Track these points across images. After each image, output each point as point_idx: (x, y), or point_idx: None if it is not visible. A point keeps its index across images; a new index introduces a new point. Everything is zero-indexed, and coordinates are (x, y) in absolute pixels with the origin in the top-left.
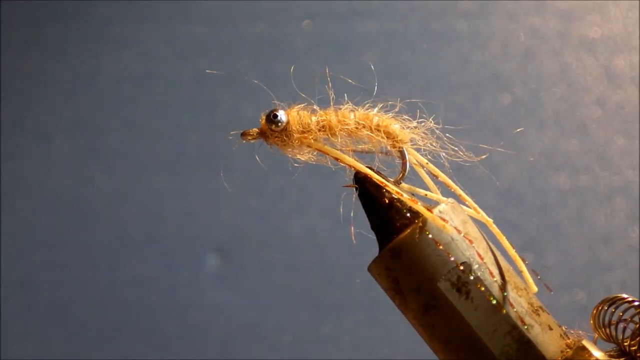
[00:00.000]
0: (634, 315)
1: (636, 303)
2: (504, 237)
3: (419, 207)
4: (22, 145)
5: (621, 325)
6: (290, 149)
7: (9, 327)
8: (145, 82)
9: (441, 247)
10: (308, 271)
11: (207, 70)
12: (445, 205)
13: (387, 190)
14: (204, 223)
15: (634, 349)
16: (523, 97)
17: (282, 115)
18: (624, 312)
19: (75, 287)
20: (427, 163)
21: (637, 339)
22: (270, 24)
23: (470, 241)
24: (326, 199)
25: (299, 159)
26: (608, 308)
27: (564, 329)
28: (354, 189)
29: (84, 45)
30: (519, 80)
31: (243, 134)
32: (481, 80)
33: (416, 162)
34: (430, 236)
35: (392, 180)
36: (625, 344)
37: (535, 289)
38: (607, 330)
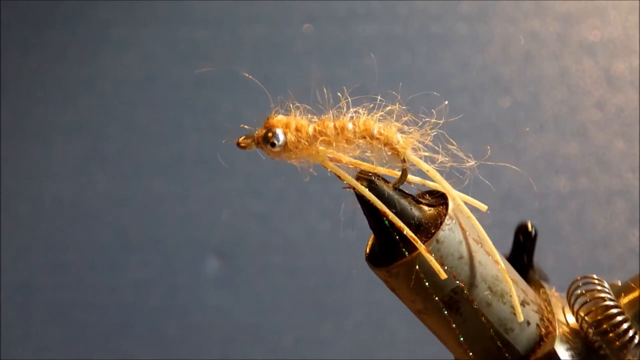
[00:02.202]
0: (591, 290)
1: (597, 283)
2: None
3: (419, 245)
4: (23, 147)
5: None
6: (289, 160)
7: (9, 329)
8: (146, 85)
9: (436, 278)
10: (308, 273)
11: (204, 68)
12: (443, 232)
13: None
14: (205, 225)
15: (586, 325)
16: (523, 100)
17: (279, 136)
18: (592, 290)
19: (76, 289)
20: (427, 170)
21: (591, 315)
22: (271, 27)
23: (469, 265)
24: (326, 201)
25: (298, 166)
26: (578, 282)
27: (541, 297)
28: (353, 190)
29: (84, 48)
30: (519, 83)
31: (238, 145)
32: (481, 84)
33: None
34: (425, 269)
35: (393, 182)
36: (581, 315)
37: (519, 311)
38: (572, 304)
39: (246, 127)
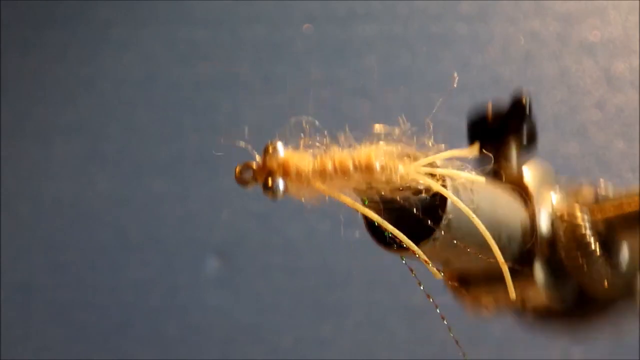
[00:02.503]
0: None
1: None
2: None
3: (432, 269)
4: (22, 147)
5: None
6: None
7: (9, 329)
8: (146, 85)
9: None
10: (308, 273)
11: (204, 68)
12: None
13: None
14: (204, 225)
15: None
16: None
17: (279, 185)
18: None
19: (76, 289)
20: (439, 188)
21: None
22: (271, 27)
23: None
24: (327, 202)
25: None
26: None
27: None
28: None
29: (84, 48)
30: (519, 83)
31: (238, 180)
32: (481, 84)
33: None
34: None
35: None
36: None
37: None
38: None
39: (243, 143)
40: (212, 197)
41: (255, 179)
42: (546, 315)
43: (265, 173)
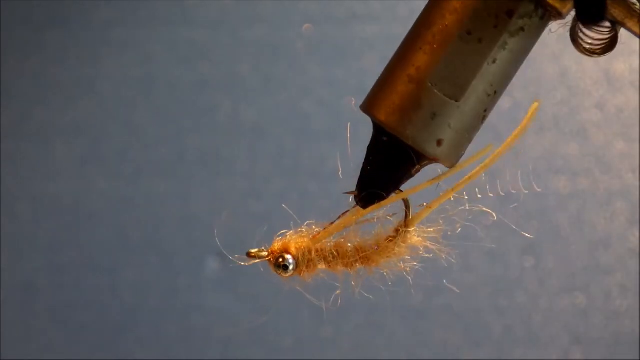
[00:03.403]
0: None
1: None
2: None
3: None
4: (23, 148)
5: None
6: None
7: (10, 329)
8: (146, 86)
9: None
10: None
11: (204, 68)
12: None
13: None
14: (204, 226)
15: None
16: (523, 101)
17: (289, 264)
18: None
19: (76, 290)
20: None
21: None
22: (271, 27)
23: None
24: (327, 203)
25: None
26: None
27: None
28: (354, 197)
29: (84, 49)
30: (519, 84)
31: (249, 256)
32: None
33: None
34: None
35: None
36: None
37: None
38: None
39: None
40: (212, 197)
41: (270, 262)
42: None
43: (276, 261)
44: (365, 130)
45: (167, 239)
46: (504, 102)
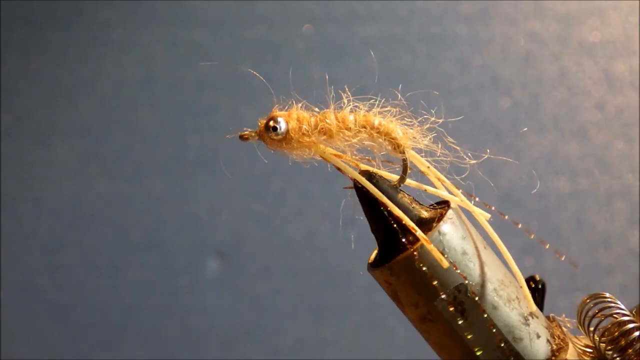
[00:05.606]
0: (602, 309)
1: (610, 301)
2: (503, 246)
3: (420, 235)
4: (23, 149)
5: (596, 320)
6: (289, 152)
7: (10, 329)
8: (146, 86)
9: (438, 272)
10: (308, 274)
11: (204, 68)
12: (445, 224)
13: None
14: (205, 226)
15: (603, 345)
16: (523, 101)
17: (281, 124)
18: (604, 309)
19: (76, 290)
20: (428, 167)
21: (606, 335)
22: (271, 27)
23: (473, 262)
24: (327, 203)
25: (298, 160)
26: (589, 303)
27: (553, 325)
28: (354, 190)
29: (84, 50)
30: (519, 84)
31: (241, 137)
32: (481, 84)
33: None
34: (428, 261)
35: (393, 182)
36: (597, 339)
37: (529, 299)
38: (585, 326)
39: (247, 129)
40: (212, 198)
41: (258, 131)
42: None
43: (268, 119)
44: None
45: (167, 238)
46: (503, 102)
